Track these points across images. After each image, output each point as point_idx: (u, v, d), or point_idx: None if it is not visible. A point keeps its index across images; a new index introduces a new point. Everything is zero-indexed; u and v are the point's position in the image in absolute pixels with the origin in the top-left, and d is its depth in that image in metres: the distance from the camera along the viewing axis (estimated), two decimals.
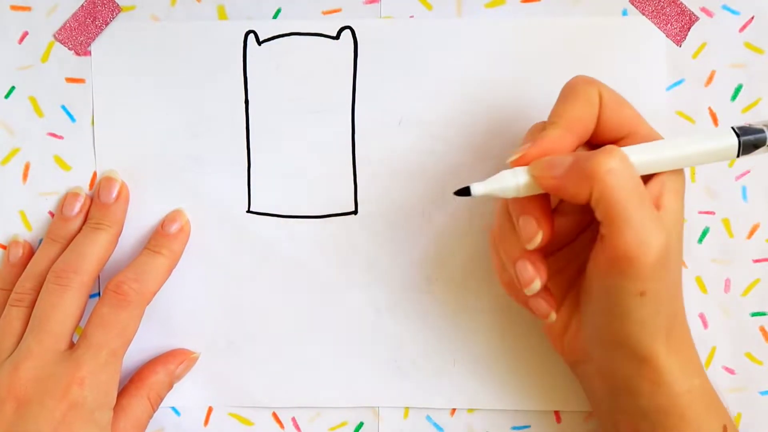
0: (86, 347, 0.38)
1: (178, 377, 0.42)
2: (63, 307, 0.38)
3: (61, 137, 0.42)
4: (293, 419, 0.43)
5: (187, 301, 0.43)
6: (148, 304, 0.40)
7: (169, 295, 0.42)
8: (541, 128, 0.36)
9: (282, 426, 0.43)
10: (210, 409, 0.43)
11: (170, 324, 0.43)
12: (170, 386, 0.42)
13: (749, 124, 0.34)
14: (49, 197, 0.43)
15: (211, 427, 0.43)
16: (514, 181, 0.34)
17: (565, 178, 0.33)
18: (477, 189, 0.34)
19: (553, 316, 0.36)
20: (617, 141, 0.36)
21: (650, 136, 0.36)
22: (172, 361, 0.41)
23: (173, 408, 0.43)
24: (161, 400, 0.41)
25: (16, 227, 0.43)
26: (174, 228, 0.41)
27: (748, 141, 0.34)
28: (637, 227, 0.32)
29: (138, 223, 0.42)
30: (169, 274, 0.41)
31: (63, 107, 0.42)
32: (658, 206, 0.34)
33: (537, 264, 0.35)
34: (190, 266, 0.42)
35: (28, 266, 0.41)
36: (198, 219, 0.42)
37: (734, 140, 0.34)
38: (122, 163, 0.42)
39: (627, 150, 0.34)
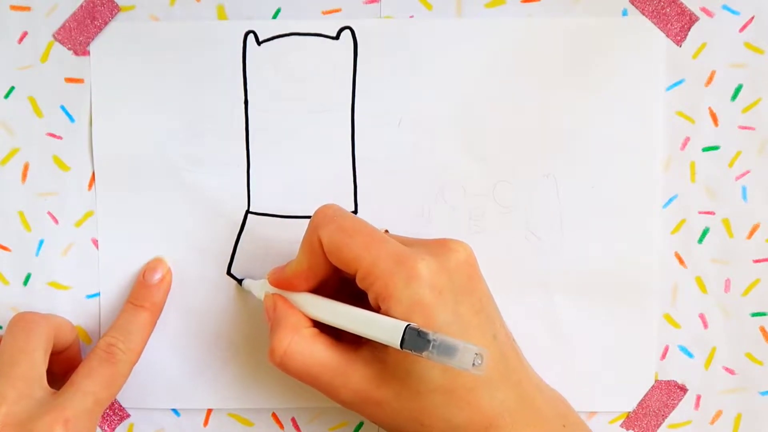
0: (73, 392, 0.38)
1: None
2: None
3: (60, 137, 0.42)
4: (293, 419, 0.43)
5: (187, 300, 0.43)
6: (136, 361, 0.41)
7: (169, 296, 0.42)
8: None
9: (282, 426, 0.43)
10: (209, 410, 0.43)
11: (170, 324, 0.43)
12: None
13: (425, 334, 0.32)
14: (48, 197, 0.43)
15: (211, 428, 0.43)
16: (260, 292, 0.41)
17: (270, 323, 0.38)
18: (245, 284, 0.42)
19: None
20: (354, 277, 0.36)
21: (369, 272, 0.35)
22: None
23: (173, 409, 0.43)
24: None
25: (15, 228, 0.43)
26: (156, 278, 0.42)
27: (409, 347, 0.33)
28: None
29: (138, 223, 0.42)
30: (154, 326, 0.42)
31: (62, 107, 0.42)
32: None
33: None
34: (190, 267, 0.42)
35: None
36: (198, 219, 0.42)
37: (397, 341, 0.33)
38: (121, 163, 0.42)
39: (303, 301, 0.38)
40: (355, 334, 0.36)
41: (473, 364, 0.31)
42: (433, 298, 0.34)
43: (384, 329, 0.34)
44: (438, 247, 0.36)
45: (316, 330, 0.37)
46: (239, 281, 0.42)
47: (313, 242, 0.37)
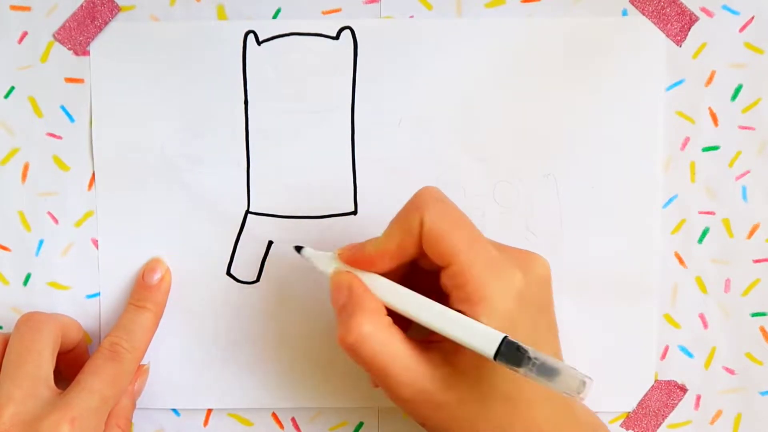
0: (79, 391, 0.38)
1: (138, 393, 0.42)
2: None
3: (60, 137, 0.42)
4: (293, 419, 0.43)
5: (187, 300, 0.43)
6: (141, 359, 0.41)
7: (169, 296, 0.42)
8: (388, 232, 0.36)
9: (282, 426, 0.43)
10: (209, 410, 0.43)
11: (170, 324, 0.43)
12: (134, 405, 0.42)
13: (525, 351, 0.32)
14: (48, 197, 0.43)
15: (211, 428, 0.43)
16: (327, 266, 0.38)
17: (338, 301, 0.36)
18: (305, 252, 0.39)
19: None
20: (442, 268, 0.35)
21: (464, 271, 0.34)
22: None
23: (173, 409, 0.43)
24: (131, 422, 0.41)
25: (15, 228, 0.43)
26: (155, 278, 0.42)
27: (503, 360, 0.32)
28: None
29: (138, 223, 0.42)
30: (157, 326, 0.42)
31: (62, 107, 0.42)
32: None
33: None
34: (190, 267, 0.42)
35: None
36: (198, 219, 0.42)
37: (491, 352, 0.33)
38: (121, 163, 0.42)
39: (381, 287, 0.36)
40: (441, 334, 0.34)
41: (577, 390, 0.31)
42: (519, 311, 0.34)
43: (479, 337, 0.33)
44: (525, 259, 0.36)
45: (391, 319, 0.36)
46: (298, 249, 0.39)
47: (412, 222, 0.35)
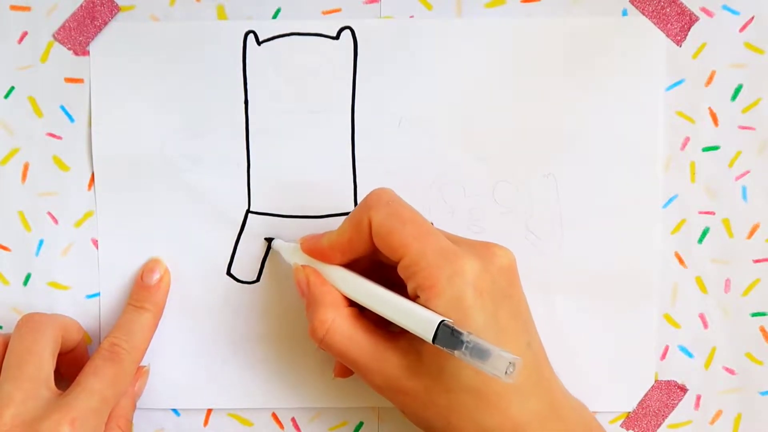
0: (79, 391, 0.38)
1: (138, 394, 0.42)
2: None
3: (59, 137, 0.42)
4: (293, 419, 0.43)
5: (187, 300, 0.43)
6: (141, 360, 0.41)
7: (168, 296, 0.42)
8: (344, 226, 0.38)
9: (282, 426, 0.43)
10: (209, 410, 0.43)
11: (170, 324, 0.43)
12: (134, 406, 0.42)
13: (459, 333, 0.33)
14: (48, 197, 0.43)
15: (211, 428, 0.43)
16: (290, 258, 0.40)
17: (302, 296, 0.39)
18: (274, 244, 0.42)
19: None
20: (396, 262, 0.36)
21: (415, 261, 0.35)
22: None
23: (173, 409, 0.43)
24: (131, 422, 0.41)
25: (15, 228, 0.43)
26: (154, 279, 0.42)
27: (441, 343, 0.33)
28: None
29: (138, 223, 0.42)
30: (156, 326, 0.42)
31: (62, 107, 0.42)
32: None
33: None
34: (190, 267, 0.42)
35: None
36: (198, 219, 0.42)
37: (430, 335, 0.33)
38: (121, 163, 0.42)
39: (337, 277, 0.38)
40: (388, 319, 0.36)
41: (506, 372, 0.31)
42: (474, 298, 0.34)
43: (418, 321, 0.34)
44: (483, 249, 0.37)
45: (355, 310, 0.37)
46: (269, 240, 0.42)
47: (362, 221, 0.37)
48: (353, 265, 0.38)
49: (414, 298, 0.36)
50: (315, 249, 0.39)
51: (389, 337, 0.37)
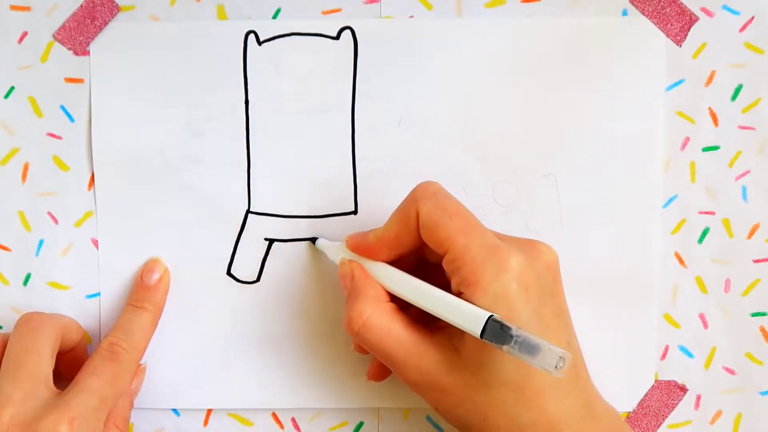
0: (78, 391, 0.38)
1: (135, 393, 0.42)
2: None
3: (60, 137, 0.42)
4: (293, 419, 0.43)
5: (187, 300, 0.43)
6: (140, 360, 0.41)
7: (168, 296, 0.42)
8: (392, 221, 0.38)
9: (282, 426, 0.43)
10: (209, 410, 0.43)
11: (170, 324, 0.43)
12: (132, 405, 0.42)
13: (509, 328, 0.32)
14: (48, 197, 0.43)
15: (211, 428, 0.43)
16: (336, 256, 0.40)
17: (345, 289, 0.39)
18: (318, 243, 0.42)
19: None
20: (442, 257, 0.36)
21: (460, 255, 0.35)
22: None
23: (173, 409, 0.43)
24: (128, 421, 0.41)
25: (15, 228, 0.43)
26: (154, 279, 0.42)
27: (489, 338, 0.33)
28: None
29: (138, 223, 0.42)
30: (156, 326, 0.42)
31: (62, 107, 0.42)
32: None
33: None
34: (190, 267, 0.42)
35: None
36: (198, 219, 0.42)
37: (478, 330, 0.33)
38: (121, 163, 0.42)
39: (382, 273, 0.38)
40: (435, 315, 0.35)
41: (555, 367, 0.31)
42: (519, 294, 0.34)
43: (466, 316, 0.34)
44: (528, 245, 0.36)
45: (394, 305, 0.37)
46: (312, 240, 0.42)
47: (409, 213, 0.36)
48: (398, 264, 0.38)
49: (458, 295, 0.35)
50: (361, 245, 0.38)
51: (427, 333, 0.37)
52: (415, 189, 0.37)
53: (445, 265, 0.36)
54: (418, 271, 0.38)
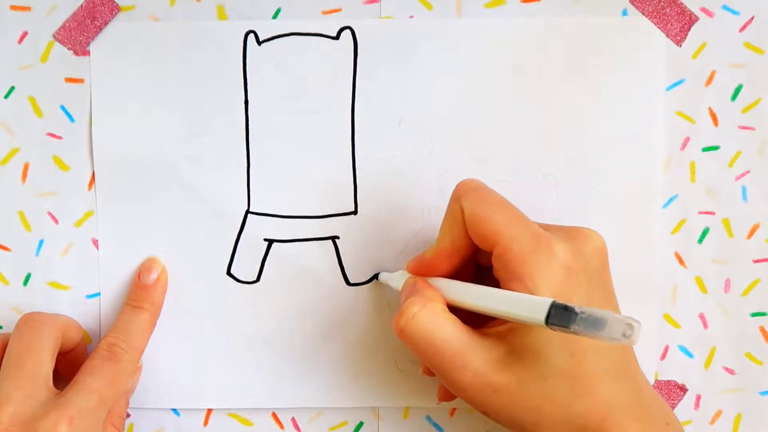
0: (77, 391, 0.38)
1: (132, 391, 0.42)
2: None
3: (60, 137, 0.42)
4: (293, 419, 0.43)
5: (187, 300, 0.43)
6: (139, 360, 0.41)
7: (168, 296, 0.42)
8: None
9: (282, 426, 0.43)
10: (209, 410, 0.43)
11: (170, 324, 0.43)
12: (128, 403, 0.42)
13: (572, 308, 0.32)
14: (48, 197, 0.43)
15: (211, 428, 0.43)
16: (399, 282, 0.40)
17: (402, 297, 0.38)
18: (381, 276, 0.42)
19: None
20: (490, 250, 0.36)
21: (507, 249, 0.35)
22: None
23: (173, 409, 0.43)
24: (124, 420, 0.41)
25: (15, 228, 0.43)
26: (151, 278, 0.42)
27: (554, 322, 0.32)
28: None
29: (138, 223, 0.42)
30: (154, 326, 0.42)
31: (62, 107, 0.42)
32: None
33: None
34: (190, 267, 0.42)
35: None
36: (198, 219, 0.42)
37: (542, 317, 0.32)
38: (121, 163, 0.42)
39: (441, 285, 0.37)
40: (493, 315, 0.35)
41: (624, 335, 0.31)
42: (569, 281, 0.34)
43: (527, 306, 0.33)
44: (575, 232, 0.36)
45: (444, 306, 0.36)
46: (375, 277, 0.42)
47: (456, 213, 0.37)
48: (458, 277, 0.38)
49: (509, 288, 0.35)
50: (421, 264, 0.38)
51: (477, 334, 0.36)
52: (456, 188, 0.37)
53: (494, 261, 0.36)
54: (478, 282, 0.38)
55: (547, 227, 0.37)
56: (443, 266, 0.38)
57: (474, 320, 0.36)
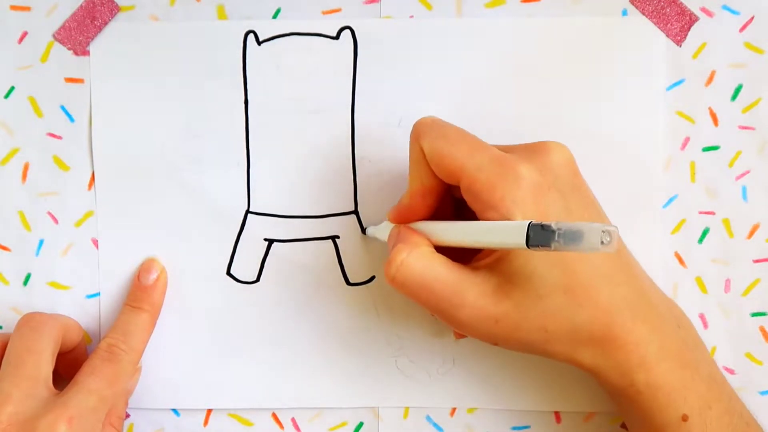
0: (76, 391, 0.38)
1: (131, 392, 0.42)
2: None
3: (60, 137, 0.42)
4: (293, 419, 0.43)
5: (187, 301, 0.43)
6: (138, 360, 0.41)
7: (168, 296, 0.42)
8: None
9: (282, 426, 0.43)
10: (209, 410, 0.43)
11: (170, 324, 0.43)
12: (127, 403, 0.42)
13: (548, 226, 0.31)
14: (48, 197, 0.43)
15: (211, 428, 0.43)
16: (385, 233, 0.40)
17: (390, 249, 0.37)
18: (368, 231, 0.42)
19: None
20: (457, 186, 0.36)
21: (474, 180, 0.35)
22: None
23: (173, 409, 0.43)
24: (123, 420, 0.41)
25: (15, 228, 0.43)
26: (151, 279, 0.42)
27: (535, 244, 0.31)
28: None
29: (138, 223, 0.42)
30: (154, 326, 0.42)
31: (62, 107, 0.42)
32: None
33: None
34: (190, 267, 0.42)
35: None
36: (198, 219, 0.42)
37: (523, 241, 0.32)
38: (121, 163, 0.42)
39: (424, 228, 0.37)
40: (477, 247, 0.35)
41: (602, 243, 0.30)
42: (542, 198, 0.34)
43: (506, 232, 0.33)
44: (537, 147, 0.36)
45: (433, 248, 0.36)
46: (363, 230, 0.42)
47: (417, 153, 0.36)
48: (439, 218, 0.38)
49: (485, 219, 0.35)
50: (400, 210, 0.38)
51: (468, 269, 0.36)
52: (413, 127, 0.37)
53: (464, 194, 0.36)
54: (459, 217, 0.38)
55: (508, 148, 0.36)
56: (421, 208, 0.38)
57: (464, 257, 0.36)
